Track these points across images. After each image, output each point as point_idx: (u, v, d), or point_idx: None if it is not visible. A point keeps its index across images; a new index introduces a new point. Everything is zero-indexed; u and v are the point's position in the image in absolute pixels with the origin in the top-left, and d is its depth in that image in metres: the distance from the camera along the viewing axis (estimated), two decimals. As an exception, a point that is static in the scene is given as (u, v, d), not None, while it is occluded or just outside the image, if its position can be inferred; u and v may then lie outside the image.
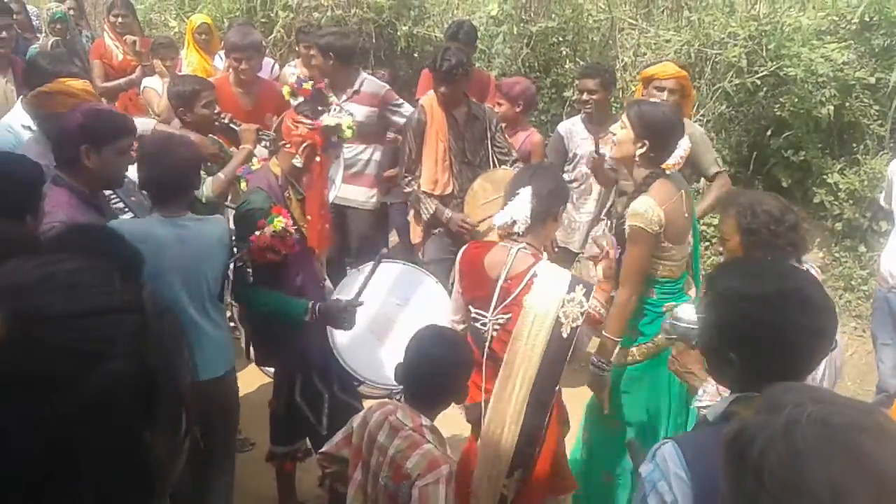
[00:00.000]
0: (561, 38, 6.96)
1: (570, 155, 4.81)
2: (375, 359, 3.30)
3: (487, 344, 2.76)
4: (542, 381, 2.65)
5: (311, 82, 3.18)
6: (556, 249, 4.62)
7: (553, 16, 6.94)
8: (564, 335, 2.64)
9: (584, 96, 4.71)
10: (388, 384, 3.14)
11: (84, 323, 0.79)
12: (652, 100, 3.23)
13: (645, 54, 6.75)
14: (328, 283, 3.91)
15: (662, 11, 7.11)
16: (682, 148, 3.07)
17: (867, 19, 6.12)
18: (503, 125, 4.64)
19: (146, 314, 0.84)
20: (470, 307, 2.84)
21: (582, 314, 2.65)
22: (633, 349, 3.17)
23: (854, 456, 0.99)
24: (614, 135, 3.16)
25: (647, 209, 2.96)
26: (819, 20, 6.35)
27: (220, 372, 3.05)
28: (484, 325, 2.77)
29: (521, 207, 2.73)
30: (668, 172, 3.08)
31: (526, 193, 2.74)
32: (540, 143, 4.99)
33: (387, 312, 3.35)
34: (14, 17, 5.69)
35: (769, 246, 2.59)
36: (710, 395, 2.67)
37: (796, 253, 2.64)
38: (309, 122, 3.03)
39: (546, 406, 2.70)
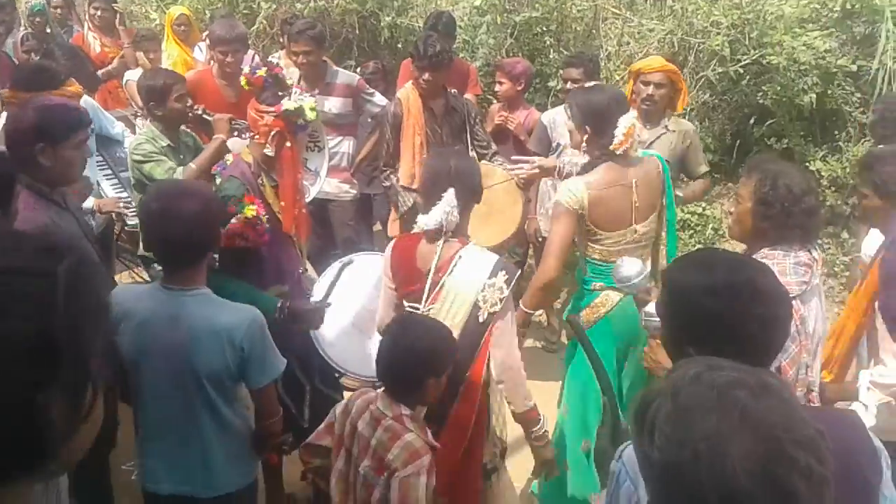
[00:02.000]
0: (545, 28, 6.95)
1: (554, 145, 4.82)
2: (360, 352, 3.29)
3: None
4: (456, 364, 2.55)
5: (264, 69, 3.15)
6: (541, 239, 4.63)
7: (536, 6, 6.91)
8: (481, 319, 2.61)
9: (569, 85, 4.74)
10: (372, 376, 3.13)
11: None
12: (587, 85, 3.23)
13: (628, 44, 6.76)
14: (311, 272, 3.91)
15: (646, 0, 7.11)
16: (623, 126, 3.05)
17: (848, 7, 6.13)
18: (501, 104, 4.77)
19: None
20: (404, 301, 2.79)
21: (501, 300, 2.61)
22: (571, 321, 3.19)
23: (730, 409, 1.03)
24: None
25: (571, 188, 3.04)
26: (801, 8, 6.36)
27: (221, 491, 2.56)
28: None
29: (449, 211, 2.64)
30: (617, 152, 3.07)
31: (451, 196, 2.65)
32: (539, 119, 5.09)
33: (369, 306, 3.30)
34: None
35: (777, 222, 2.50)
36: (630, 266, 2.73)
37: (805, 237, 2.52)
38: (271, 109, 3.01)
39: (456, 387, 2.62)
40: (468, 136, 4.48)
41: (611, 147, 3.06)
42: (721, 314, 1.63)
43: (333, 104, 4.79)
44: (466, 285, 2.64)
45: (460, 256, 2.68)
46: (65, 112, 2.85)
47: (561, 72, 4.88)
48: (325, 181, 4.88)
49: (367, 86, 4.97)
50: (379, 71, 5.51)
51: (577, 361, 3.24)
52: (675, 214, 3.54)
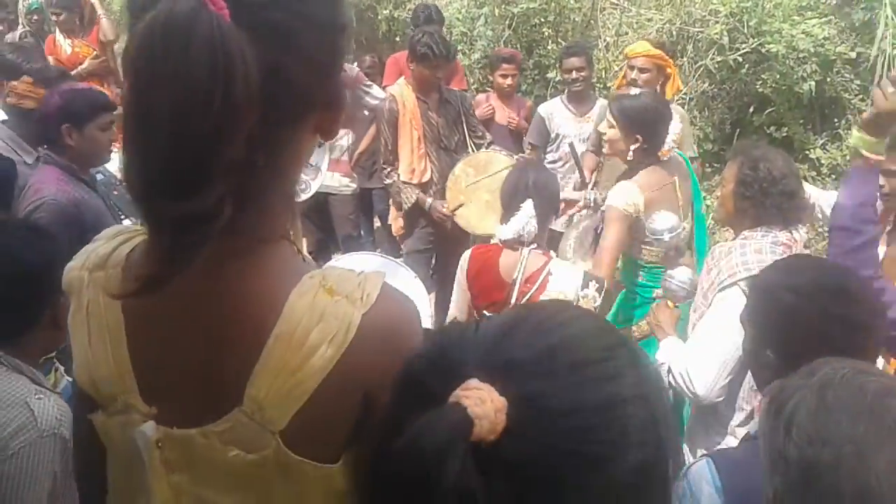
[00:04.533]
0: (543, 20, 6.93)
1: (553, 136, 4.86)
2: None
3: None
4: None
5: None
6: None
7: (535, -4, 6.89)
8: None
9: (574, 74, 4.75)
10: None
11: None
12: (631, 91, 3.21)
13: (627, 34, 6.74)
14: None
15: (644, -11, 7.09)
16: (674, 132, 3.08)
17: (847, -6, 6.14)
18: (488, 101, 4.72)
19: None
20: (485, 312, 2.81)
21: (596, 308, 2.67)
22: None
23: (882, 418, 1.01)
24: (604, 133, 3.17)
25: (626, 192, 2.99)
26: (800, -4, 6.36)
27: None
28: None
29: (528, 222, 2.72)
30: (663, 159, 3.09)
31: (529, 207, 2.73)
32: (531, 107, 5.23)
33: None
34: None
35: (756, 202, 2.52)
36: (680, 276, 2.72)
37: (785, 219, 2.53)
38: None
39: None
40: (464, 127, 4.49)
41: (659, 153, 3.08)
42: (804, 315, 1.59)
43: None
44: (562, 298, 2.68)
45: (550, 272, 2.73)
46: (89, 95, 3.01)
47: (563, 62, 4.85)
48: (329, 175, 4.93)
49: (365, 78, 4.97)
50: (375, 65, 5.51)
51: None
52: (702, 205, 3.52)
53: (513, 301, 2.73)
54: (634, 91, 3.19)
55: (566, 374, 0.70)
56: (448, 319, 3.02)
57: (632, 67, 4.11)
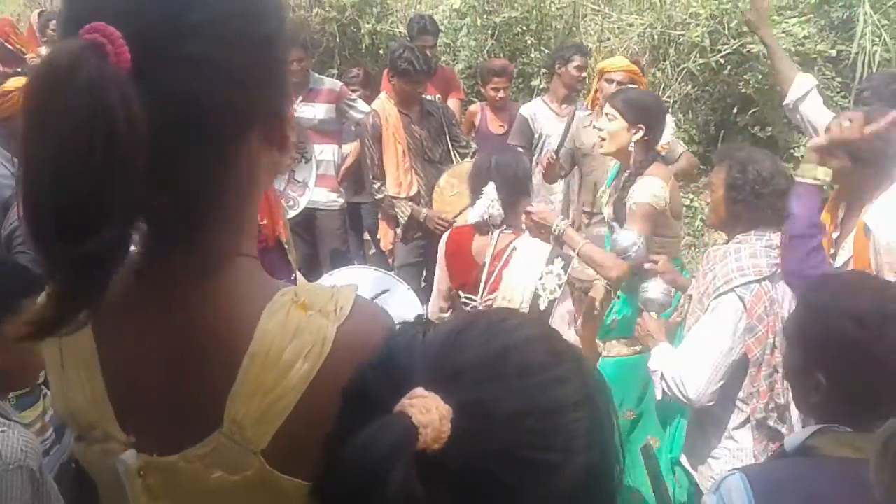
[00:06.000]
0: (525, 28, 6.98)
1: (536, 136, 4.87)
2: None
3: None
4: None
5: None
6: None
7: (516, 5, 6.94)
8: (542, 307, 2.68)
9: (582, 74, 4.77)
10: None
11: None
12: (630, 86, 3.26)
13: (609, 39, 6.79)
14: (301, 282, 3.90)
15: (625, -5, 7.14)
16: (671, 126, 3.12)
17: (826, -8, 6.19)
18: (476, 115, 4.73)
19: None
20: (460, 293, 2.90)
21: (559, 286, 2.68)
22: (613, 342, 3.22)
23: None
24: (601, 130, 3.17)
25: (655, 186, 2.99)
26: (779, -4, 6.41)
27: None
28: (477, 308, 2.83)
29: (491, 205, 2.75)
30: (662, 154, 3.12)
31: (491, 190, 2.76)
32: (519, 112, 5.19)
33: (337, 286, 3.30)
34: None
35: (749, 205, 2.53)
36: (654, 287, 2.73)
37: (778, 220, 2.52)
38: None
39: None
40: (447, 138, 4.50)
41: (658, 147, 3.11)
42: (865, 345, 1.49)
43: (319, 111, 4.80)
44: (525, 275, 2.71)
45: (515, 248, 2.76)
46: None
47: (570, 59, 4.75)
48: (316, 190, 4.91)
49: (350, 92, 4.98)
50: (361, 77, 5.51)
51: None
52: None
53: (482, 281, 2.78)
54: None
55: (513, 379, 0.70)
56: (431, 300, 3.08)
57: (610, 81, 4.14)
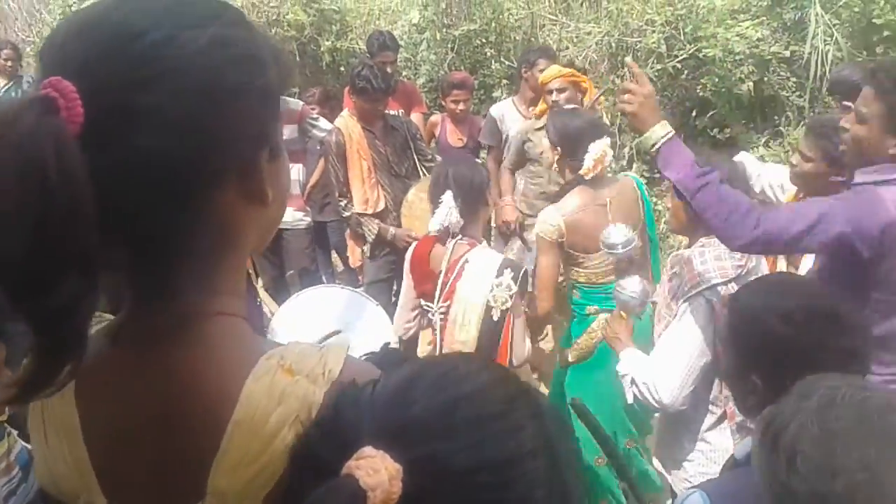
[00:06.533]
0: (484, 40, 7.02)
1: (504, 136, 4.92)
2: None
3: (438, 333, 2.90)
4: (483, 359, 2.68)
5: None
6: (514, 227, 4.71)
7: (475, 18, 6.98)
8: (495, 318, 2.71)
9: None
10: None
11: None
12: (567, 107, 3.29)
13: (567, 48, 6.85)
14: (268, 304, 3.87)
15: (581, 4, 7.22)
16: (593, 152, 3.07)
17: (777, -5, 6.31)
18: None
19: None
20: (420, 300, 2.98)
21: (510, 297, 2.70)
22: (567, 351, 3.24)
23: (892, 438, 0.97)
24: (541, 151, 3.26)
25: (546, 219, 3.06)
26: (732, 0, 6.51)
27: None
28: (433, 315, 2.91)
29: (449, 213, 2.81)
30: (587, 178, 3.09)
31: (448, 199, 2.81)
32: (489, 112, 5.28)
33: (329, 342, 3.27)
34: None
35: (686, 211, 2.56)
36: (631, 286, 2.73)
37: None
38: None
39: None
40: (413, 152, 4.51)
41: (580, 172, 3.09)
42: (795, 343, 1.53)
43: (283, 131, 4.77)
44: (476, 288, 2.75)
45: (467, 260, 2.81)
46: None
47: (535, 63, 4.81)
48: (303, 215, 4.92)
49: (311, 111, 4.98)
50: (318, 96, 5.51)
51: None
52: (656, 231, 3.56)
53: (437, 290, 2.84)
54: (569, 107, 3.27)
55: (465, 431, 0.68)
56: (396, 314, 3.15)
57: (550, 91, 4.19)
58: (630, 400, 2.51)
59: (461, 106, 5.12)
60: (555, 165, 3.21)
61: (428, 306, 2.94)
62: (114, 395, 0.83)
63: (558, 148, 3.13)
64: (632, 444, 3.20)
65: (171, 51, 0.74)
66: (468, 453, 0.67)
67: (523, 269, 2.81)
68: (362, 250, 4.50)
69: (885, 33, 6.07)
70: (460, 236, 2.86)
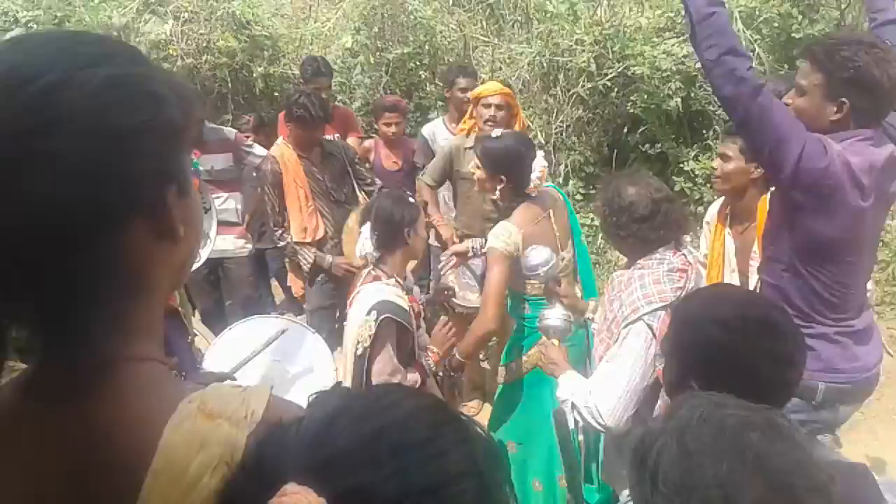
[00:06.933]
0: (418, 63, 7.06)
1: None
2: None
3: None
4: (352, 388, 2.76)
5: None
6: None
7: (408, 41, 7.02)
8: (358, 353, 2.74)
9: (460, 95, 4.87)
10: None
11: None
12: (493, 133, 3.28)
13: (500, 69, 6.93)
14: (201, 338, 3.79)
15: (512, 25, 7.32)
16: (538, 168, 3.13)
17: (699, 13, 6.48)
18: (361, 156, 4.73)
19: None
20: None
21: (370, 338, 2.70)
22: (512, 365, 3.25)
23: (744, 454, 1.00)
24: (475, 170, 3.22)
25: (505, 232, 3.04)
26: (657, 18, 6.69)
27: None
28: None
29: (365, 243, 2.89)
30: (532, 194, 3.15)
31: (366, 230, 2.89)
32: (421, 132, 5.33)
33: (267, 374, 3.16)
34: None
35: (622, 236, 2.60)
36: (554, 315, 2.76)
37: (659, 242, 2.57)
38: None
39: None
40: (351, 177, 4.49)
41: (526, 190, 3.13)
42: (731, 348, 1.56)
43: (215, 161, 4.72)
44: (353, 320, 2.81)
45: (359, 292, 2.85)
46: None
47: (454, 81, 4.95)
48: (221, 238, 4.82)
49: (245, 138, 4.94)
50: (252, 124, 5.48)
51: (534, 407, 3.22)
52: (581, 236, 3.60)
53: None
54: (497, 132, 3.27)
55: (389, 460, 0.68)
56: None
57: (488, 105, 4.16)
58: (571, 424, 2.53)
59: (394, 129, 5.12)
60: (498, 194, 3.15)
61: None
62: (25, 455, 0.80)
63: (502, 177, 3.10)
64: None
65: (64, 93, 0.73)
66: (394, 482, 0.67)
67: (385, 316, 2.76)
68: (304, 279, 4.46)
69: (804, 47, 6.32)
70: (372, 267, 2.92)
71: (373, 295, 2.82)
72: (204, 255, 4.59)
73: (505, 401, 3.35)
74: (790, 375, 1.59)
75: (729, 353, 1.56)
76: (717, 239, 3.23)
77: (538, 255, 2.93)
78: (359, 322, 2.75)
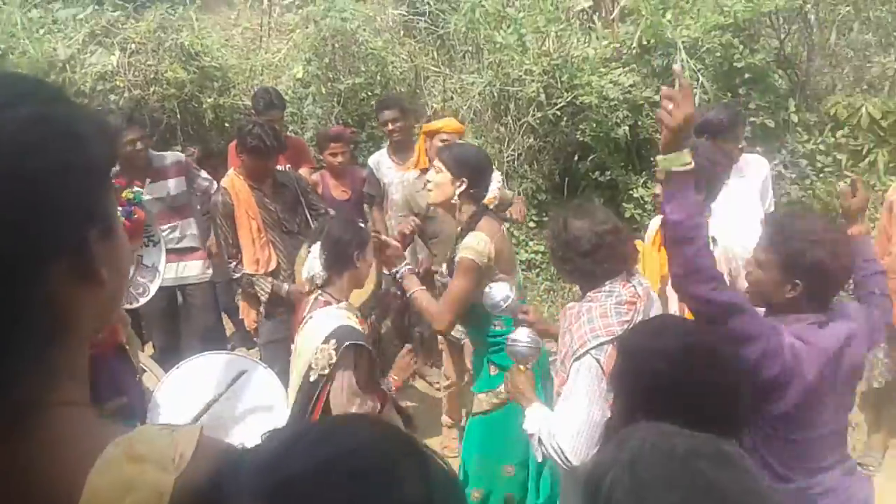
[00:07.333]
0: (370, 93, 7.07)
1: (383, 184, 5.07)
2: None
3: None
4: (294, 414, 2.78)
5: None
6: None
7: (360, 72, 7.04)
8: (312, 379, 2.72)
9: (390, 126, 5.00)
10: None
11: None
12: (459, 142, 3.38)
13: (452, 98, 7.00)
14: (151, 374, 3.70)
15: (463, 56, 7.40)
16: (496, 182, 3.21)
17: (644, 43, 6.66)
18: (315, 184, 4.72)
19: None
20: None
21: (330, 366, 2.69)
22: (482, 396, 3.22)
23: (695, 481, 1.01)
24: (429, 181, 3.23)
25: (479, 242, 3.03)
26: (603, 49, 6.84)
27: None
28: None
29: (314, 264, 2.88)
30: (489, 208, 3.20)
31: (315, 250, 2.89)
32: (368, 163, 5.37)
33: (217, 411, 3.08)
34: None
35: (569, 269, 2.62)
36: (522, 337, 2.73)
37: (606, 274, 2.57)
38: None
39: None
40: (304, 208, 4.44)
41: (484, 201, 3.19)
42: (675, 380, 1.56)
43: (171, 186, 4.71)
44: (307, 346, 2.78)
45: (311, 317, 2.83)
46: None
47: (378, 116, 5.19)
48: (182, 265, 4.77)
49: (193, 164, 5.00)
50: (197, 155, 5.45)
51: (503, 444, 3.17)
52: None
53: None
54: (460, 142, 3.34)
55: (344, 487, 0.68)
56: None
57: (443, 140, 4.25)
58: (539, 459, 2.51)
59: (340, 158, 5.13)
60: (456, 198, 3.14)
61: None
62: None
63: (464, 179, 3.11)
64: None
65: None
66: None
67: (347, 344, 2.74)
68: (257, 311, 4.39)
69: (747, 75, 6.54)
70: (320, 291, 2.91)
71: (327, 320, 2.79)
72: (153, 288, 4.50)
73: (484, 428, 3.30)
74: (737, 407, 1.59)
75: (673, 386, 1.57)
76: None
77: (499, 291, 2.90)
78: (312, 348, 2.72)
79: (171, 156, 4.87)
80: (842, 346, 2.24)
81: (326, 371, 2.68)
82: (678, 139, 2.11)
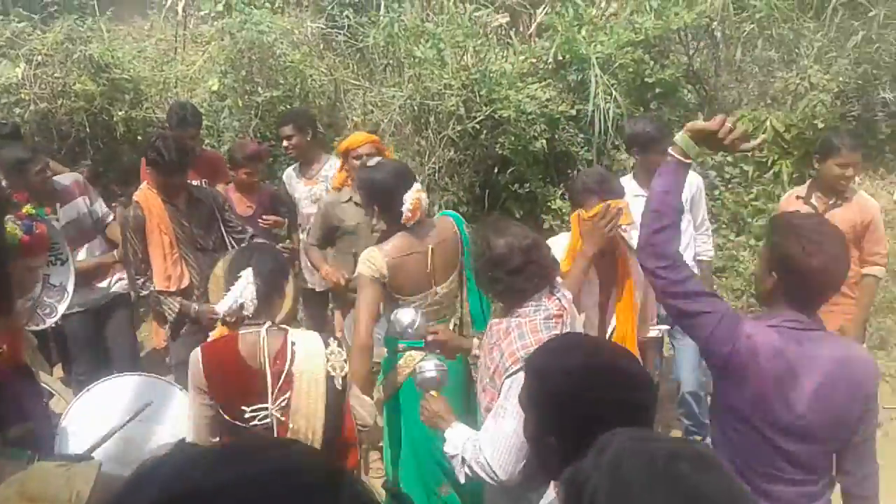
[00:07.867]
0: (289, 106, 6.98)
1: (294, 198, 5.14)
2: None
3: (274, 431, 2.63)
4: (328, 433, 2.65)
5: None
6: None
7: (278, 84, 6.95)
8: (339, 386, 2.68)
9: (285, 143, 5.05)
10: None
11: None
12: (371, 162, 3.38)
13: (372, 112, 6.98)
14: (58, 397, 3.57)
15: (384, 69, 7.40)
16: (409, 201, 3.18)
17: (560, 59, 6.80)
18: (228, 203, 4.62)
19: None
20: (243, 407, 2.62)
21: (345, 361, 2.71)
22: (386, 380, 3.38)
23: (676, 484, 1.01)
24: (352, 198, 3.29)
25: (369, 257, 3.16)
26: (520, 64, 6.95)
27: None
28: (263, 418, 2.62)
29: (246, 289, 2.65)
30: (409, 225, 3.20)
31: (248, 275, 2.67)
32: (274, 193, 5.38)
33: (132, 436, 2.95)
34: None
35: (497, 286, 2.64)
36: (428, 367, 2.73)
37: (535, 289, 2.58)
38: None
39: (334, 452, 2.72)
40: (220, 224, 4.33)
41: (401, 221, 3.20)
42: (579, 398, 1.55)
43: (80, 206, 4.56)
44: (314, 364, 2.64)
45: (294, 342, 2.66)
46: None
47: (281, 131, 5.16)
48: (105, 282, 4.63)
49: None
50: (86, 174, 5.29)
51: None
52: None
53: (269, 384, 2.59)
54: (373, 161, 3.35)
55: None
56: (193, 434, 2.72)
57: (358, 157, 4.21)
58: (462, 480, 2.49)
59: (253, 178, 5.09)
60: (374, 222, 3.30)
61: (254, 411, 2.61)
62: None
63: (375, 206, 3.21)
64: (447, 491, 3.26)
65: None
66: None
67: (333, 340, 2.79)
68: (165, 330, 4.27)
69: (658, 90, 6.77)
70: (269, 323, 2.68)
71: (310, 335, 2.78)
72: (61, 309, 4.33)
73: (394, 414, 3.41)
74: (643, 421, 1.56)
75: (578, 405, 1.55)
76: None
77: (405, 316, 2.96)
78: (321, 359, 2.65)
79: (68, 176, 4.75)
80: (814, 365, 2.18)
81: (346, 367, 2.70)
82: (713, 143, 2.32)
